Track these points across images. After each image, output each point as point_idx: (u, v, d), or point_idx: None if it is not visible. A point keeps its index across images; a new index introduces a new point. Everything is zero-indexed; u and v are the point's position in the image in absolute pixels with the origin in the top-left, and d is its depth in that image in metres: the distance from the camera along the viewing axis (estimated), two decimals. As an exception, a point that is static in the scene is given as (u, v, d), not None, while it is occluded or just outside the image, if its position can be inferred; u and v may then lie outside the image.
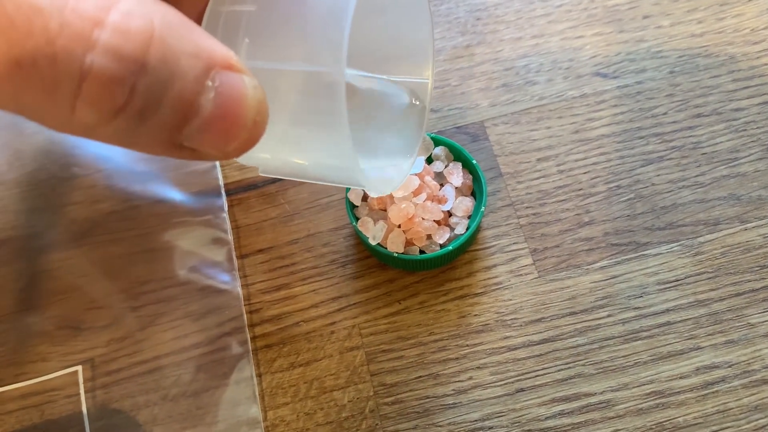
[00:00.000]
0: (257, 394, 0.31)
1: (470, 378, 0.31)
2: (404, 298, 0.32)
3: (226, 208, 0.34)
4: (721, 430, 0.29)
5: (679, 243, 0.32)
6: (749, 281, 0.31)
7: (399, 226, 0.31)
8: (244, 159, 0.19)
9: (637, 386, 0.30)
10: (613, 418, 0.29)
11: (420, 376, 0.31)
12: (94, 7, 0.13)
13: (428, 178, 0.32)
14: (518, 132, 0.35)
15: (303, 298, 0.33)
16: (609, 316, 0.31)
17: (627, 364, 0.30)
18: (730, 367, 0.30)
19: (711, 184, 0.33)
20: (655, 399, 0.30)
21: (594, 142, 0.35)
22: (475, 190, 0.33)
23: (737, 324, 0.31)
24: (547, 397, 0.30)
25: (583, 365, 0.30)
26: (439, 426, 0.30)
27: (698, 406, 0.29)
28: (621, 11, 0.38)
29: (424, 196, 0.31)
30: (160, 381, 0.31)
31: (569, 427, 0.29)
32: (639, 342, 0.31)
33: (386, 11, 0.24)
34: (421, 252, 0.31)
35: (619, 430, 0.29)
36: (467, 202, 0.32)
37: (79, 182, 0.35)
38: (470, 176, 0.33)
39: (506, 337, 0.31)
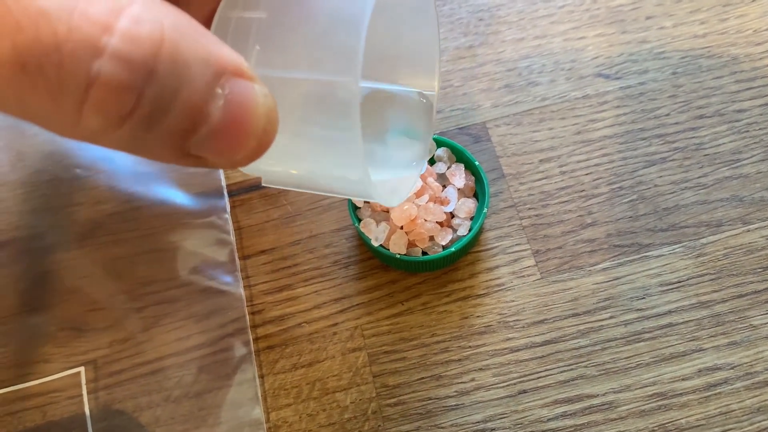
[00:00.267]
0: (260, 395, 0.31)
1: (473, 379, 0.31)
2: (407, 299, 0.32)
3: (228, 209, 0.34)
4: (723, 431, 0.29)
5: (681, 244, 0.32)
6: (752, 283, 0.31)
7: (401, 228, 0.31)
8: (248, 168, 0.19)
9: (640, 388, 0.30)
10: (615, 419, 0.29)
11: (422, 378, 0.31)
12: (103, 12, 0.13)
13: (431, 180, 0.32)
14: (520, 133, 0.35)
15: (305, 300, 0.33)
16: (611, 317, 0.31)
17: (629, 365, 0.30)
18: (732, 368, 0.30)
19: (713, 186, 0.33)
20: (658, 401, 0.30)
21: (596, 144, 0.35)
22: (478, 191, 0.33)
23: (740, 326, 0.31)
24: (550, 398, 0.30)
25: (586, 367, 0.30)
26: (442, 427, 0.30)
27: (701, 408, 0.29)
28: (623, 12, 0.38)
29: (426, 197, 0.31)
30: (162, 382, 0.31)
31: (572, 429, 0.29)
32: (641, 343, 0.31)
33: (393, 18, 0.24)
34: (424, 253, 0.31)
35: (621, 431, 0.29)
36: (469, 204, 0.32)
37: (81, 183, 0.35)
38: (472, 177, 0.33)
39: (509, 339, 0.31)
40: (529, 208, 0.34)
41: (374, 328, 0.32)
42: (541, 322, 0.31)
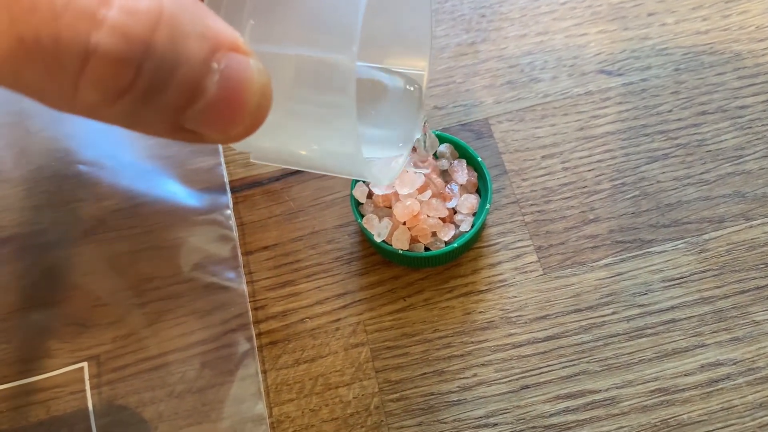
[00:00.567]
0: (262, 390, 0.31)
1: (475, 375, 0.31)
2: (409, 295, 0.32)
3: (231, 205, 0.34)
4: (725, 427, 0.29)
5: (683, 240, 0.32)
6: (754, 278, 0.31)
7: (404, 223, 0.31)
8: (239, 145, 0.18)
9: (642, 383, 0.30)
10: (617, 415, 0.29)
11: (425, 373, 0.31)
12: None
13: (433, 176, 0.32)
14: (523, 129, 0.35)
15: (308, 295, 0.33)
16: (614, 313, 0.31)
17: (632, 361, 0.30)
18: (734, 364, 0.30)
19: (716, 182, 0.33)
20: (660, 396, 0.30)
21: (599, 140, 0.35)
22: (480, 187, 0.33)
23: (742, 321, 0.31)
24: (552, 394, 0.30)
25: (588, 362, 0.30)
26: (444, 423, 0.30)
27: (703, 404, 0.29)
28: (626, 8, 0.38)
29: (429, 193, 0.31)
30: (165, 378, 0.31)
31: (574, 424, 0.29)
32: (644, 339, 0.31)
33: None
34: (426, 249, 0.31)
35: (623, 427, 0.29)
36: (472, 200, 0.32)
37: (84, 179, 0.35)
38: (475, 173, 0.33)
39: (511, 334, 0.31)
40: (532, 204, 0.34)
41: (377, 323, 0.32)
42: (544, 317, 0.31)
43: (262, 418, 0.30)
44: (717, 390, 0.30)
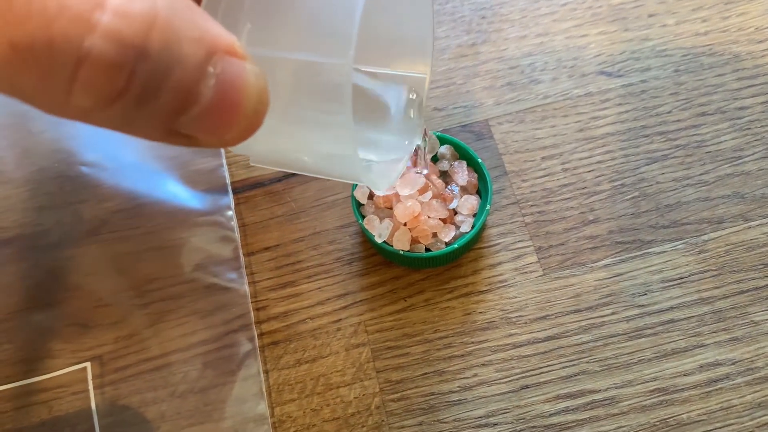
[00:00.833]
0: (264, 390, 0.31)
1: (475, 375, 0.31)
2: (410, 295, 0.33)
3: (232, 206, 0.35)
4: (724, 427, 0.29)
5: (683, 241, 0.33)
6: (753, 279, 0.32)
7: (405, 224, 0.31)
8: (236, 148, 0.18)
9: (641, 383, 0.30)
10: (617, 415, 0.30)
11: (425, 373, 0.31)
12: None
13: (434, 177, 0.32)
14: (523, 130, 0.35)
15: (309, 296, 0.33)
16: (613, 313, 0.31)
17: (631, 361, 0.30)
18: (733, 364, 0.30)
19: (715, 183, 0.34)
20: (659, 396, 0.30)
21: (598, 141, 0.35)
22: (480, 188, 0.33)
23: (741, 321, 0.31)
24: (552, 394, 0.30)
25: (588, 362, 0.31)
26: (444, 422, 0.30)
27: (702, 403, 0.30)
28: (626, 10, 0.38)
29: (429, 194, 0.31)
30: (167, 378, 0.31)
31: (573, 424, 0.30)
32: (643, 339, 0.31)
33: (387, 1, 0.24)
34: (427, 250, 0.32)
35: (623, 427, 0.29)
36: (472, 201, 0.32)
37: (86, 181, 0.36)
38: (475, 174, 0.33)
39: (511, 335, 0.31)
40: (532, 205, 0.34)
41: (377, 324, 0.32)
42: (544, 318, 0.32)
43: (264, 418, 0.30)
44: (716, 390, 0.30)
